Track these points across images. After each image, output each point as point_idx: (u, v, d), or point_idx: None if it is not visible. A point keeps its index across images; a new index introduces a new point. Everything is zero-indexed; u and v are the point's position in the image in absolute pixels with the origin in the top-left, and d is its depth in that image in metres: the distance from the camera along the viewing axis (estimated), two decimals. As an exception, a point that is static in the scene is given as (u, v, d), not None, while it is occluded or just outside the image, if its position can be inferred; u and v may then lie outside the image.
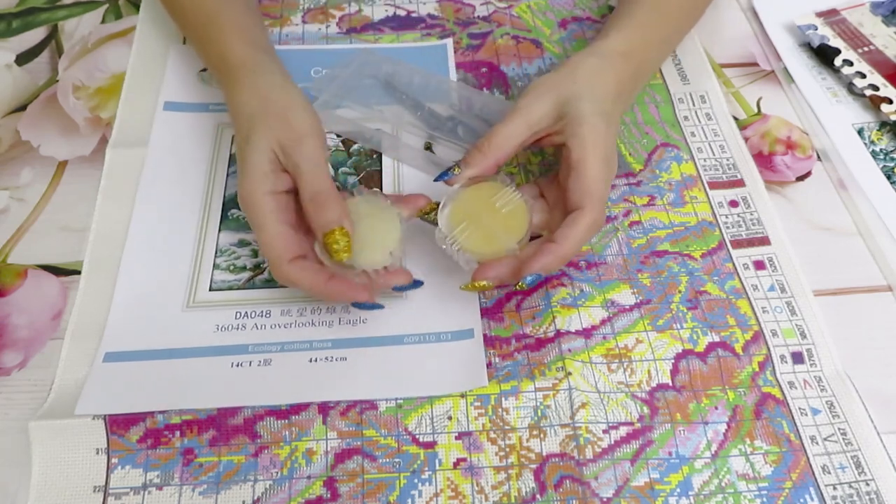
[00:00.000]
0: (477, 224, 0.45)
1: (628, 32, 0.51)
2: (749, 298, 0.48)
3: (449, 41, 0.63)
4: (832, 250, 0.51)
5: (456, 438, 0.42)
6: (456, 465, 0.42)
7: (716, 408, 0.44)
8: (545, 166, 0.55)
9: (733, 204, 0.53)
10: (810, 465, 0.42)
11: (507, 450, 0.42)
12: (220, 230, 0.51)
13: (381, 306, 0.45)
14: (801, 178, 0.56)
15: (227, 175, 0.54)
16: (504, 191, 0.46)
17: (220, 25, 0.50)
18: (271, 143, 0.44)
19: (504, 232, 0.44)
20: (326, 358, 0.45)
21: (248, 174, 0.44)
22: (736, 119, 0.59)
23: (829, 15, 0.65)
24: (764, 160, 0.56)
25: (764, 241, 0.51)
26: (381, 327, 0.47)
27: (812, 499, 0.41)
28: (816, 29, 0.63)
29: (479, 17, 0.65)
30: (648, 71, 0.54)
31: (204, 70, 0.59)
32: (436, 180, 0.46)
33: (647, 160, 0.55)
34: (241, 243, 0.50)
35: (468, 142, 0.54)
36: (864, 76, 0.60)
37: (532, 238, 0.46)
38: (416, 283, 0.45)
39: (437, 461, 0.42)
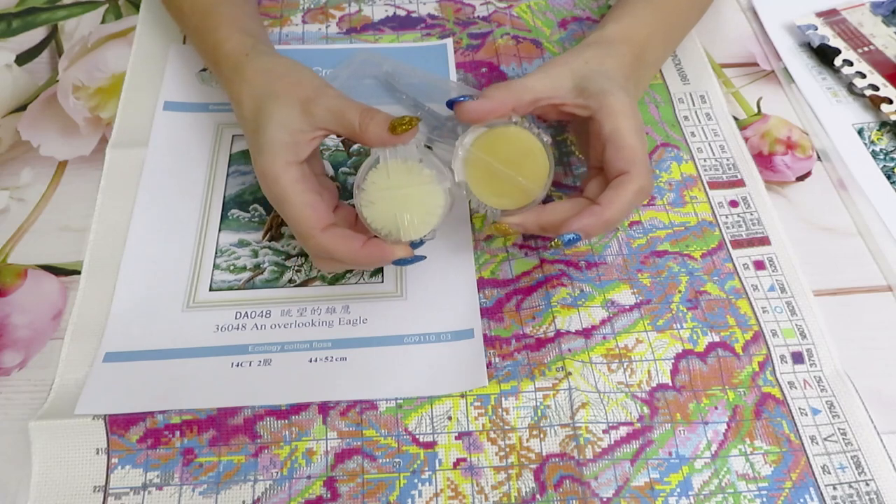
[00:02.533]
0: (496, 173, 0.43)
1: (623, 22, 0.51)
2: (749, 298, 0.48)
3: (449, 41, 0.63)
4: (832, 250, 0.51)
5: (456, 438, 0.42)
6: (456, 465, 0.42)
7: (716, 408, 0.44)
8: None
9: (733, 204, 0.53)
10: (810, 465, 0.42)
11: (507, 450, 0.42)
12: (220, 230, 0.51)
13: (423, 257, 0.43)
14: (801, 178, 0.56)
15: (227, 175, 0.54)
16: (520, 133, 0.44)
17: (216, 18, 0.50)
18: (290, 109, 0.43)
19: (525, 179, 0.43)
20: (326, 358, 0.45)
21: (266, 149, 0.43)
22: (736, 119, 0.59)
23: (829, 15, 0.65)
24: (764, 160, 0.56)
25: (764, 241, 0.51)
26: (381, 327, 0.47)
27: (812, 499, 0.41)
28: (816, 29, 0.63)
29: (479, 17, 0.65)
30: (650, 62, 0.53)
31: (203, 70, 0.59)
32: (448, 103, 0.44)
33: (647, 160, 0.55)
34: (241, 243, 0.50)
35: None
36: (864, 76, 0.60)
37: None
38: (419, 257, 0.44)
39: (437, 461, 0.42)
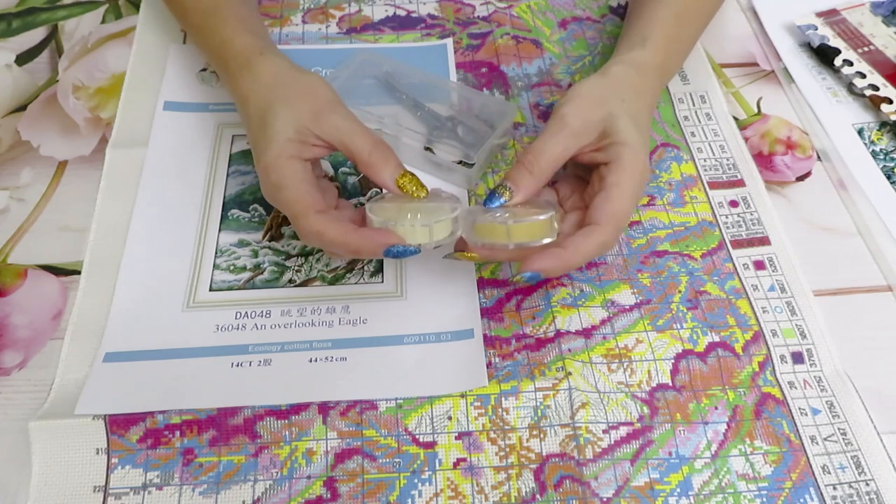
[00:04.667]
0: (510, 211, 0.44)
1: (663, 44, 0.51)
2: (749, 298, 0.48)
3: (449, 41, 0.63)
4: (832, 250, 0.51)
5: (456, 438, 0.42)
6: (456, 465, 0.42)
7: (716, 408, 0.44)
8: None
9: (733, 204, 0.53)
10: (810, 465, 0.42)
11: (507, 450, 0.42)
12: (220, 230, 0.51)
13: (417, 250, 0.43)
14: (801, 178, 0.56)
15: (227, 175, 0.54)
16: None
17: (223, 17, 0.50)
18: (299, 113, 0.43)
19: (535, 211, 0.43)
20: (326, 358, 0.45)
21: (272, 142, 0.43)
22: (736, 119, 0.59)
23: (829, 15, 0.65)
24: (764, 160, 0.56)
25: (764, 241, 0.51)
26: (381, 327, 0.47)
27: (812, 499, 0.41)
28: (816, 29, 0.63)
29: (479, 17, 0.65)
30: (667, 81, 0.54)
31: (203, 70, 0.59)
32: (486, 204, 0.43)
33: (647, 160, 0.55)
34: (241, 243, 0.50)
35: (468, 142, 0.54)
36: (864, 76, 0.60)
37: None
38: (412, 250, 0.43)
39: (437, 461, 0.42)
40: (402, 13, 0.66)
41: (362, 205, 0.47)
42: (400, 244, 0.42)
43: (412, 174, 0.43)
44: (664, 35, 0.51)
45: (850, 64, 0.61)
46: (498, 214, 0.43)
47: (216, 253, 0.50)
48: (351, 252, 0.43)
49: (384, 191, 0.45)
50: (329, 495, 0.41)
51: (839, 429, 0.43)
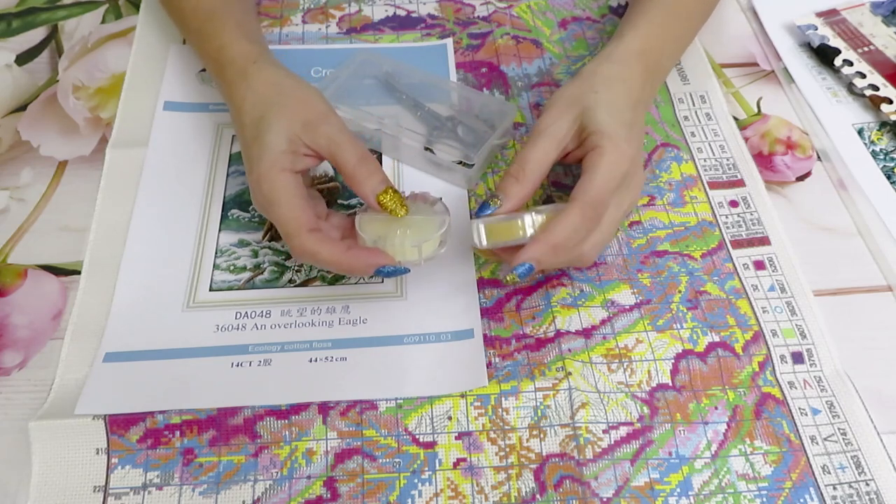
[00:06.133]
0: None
1: (643, 31, 0.51)
2: (749, 298, 0.48)
3: (449, 41, 0.63)
4: (832, 250, 0.51)
5: (456, 438, 0.42)
6: (456, 465, 0.42)
7: (716, 408, 0.44)
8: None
9: (733, 204, 0.53)
10: (810, 465, 0.42)
11: (507, 450, 0.42)
12: (220, 230, 0.51)
13: (407, 270, 0.43)
14: (801, 178, 0.56)
15: (227, 175, 0.54)
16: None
17: (222, 21, 0.50)
18: (291, 123, 0.44)
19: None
20: (326, 358, 0.45)
21: (265, 153, 0.43)
22: (736, 119, 0.59)
23: (829, 15, 0.65)
24: (764, 160, 0.56)
25: (764, 241, 0.51)
26: (381, 327, 0.47)
27: (812, 499, 0.41)
28: (816, 29, 0.63)
29: (479, 17, 0.65)
30: (663, 71, 0.54)
31: (203, 70, 0.59)
32: (478, 215, 0.44)
33: (647, 160, 0.55)
34: (241, 243, 0.50)
35: (468, 142, 0.54)
36: (864, 76, 0.60)
37: None
38: (402, 269, 0.43)
39: (437, 461, 0.42)
40: (402, 13, 0.66)
41: (360, 205, 0.47)
42: (390, 264, 0.43)
43: (394, 191, 0.43)
44: (645, 23, 0.51)
45: (850, 64, 0.61)
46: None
47: (216, 253, 0.50)
48: (343, 271, 0.43)
49: None
50: (329, 495, 0.41)
51: (839, 429, 0.43)
